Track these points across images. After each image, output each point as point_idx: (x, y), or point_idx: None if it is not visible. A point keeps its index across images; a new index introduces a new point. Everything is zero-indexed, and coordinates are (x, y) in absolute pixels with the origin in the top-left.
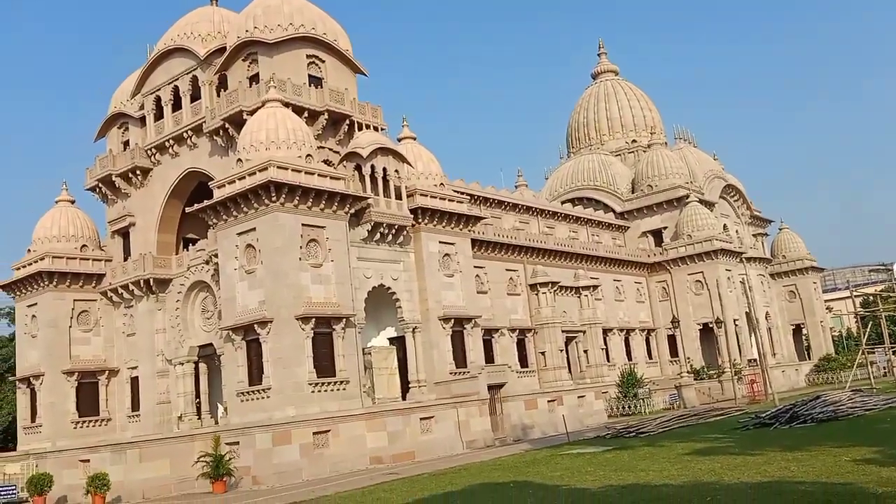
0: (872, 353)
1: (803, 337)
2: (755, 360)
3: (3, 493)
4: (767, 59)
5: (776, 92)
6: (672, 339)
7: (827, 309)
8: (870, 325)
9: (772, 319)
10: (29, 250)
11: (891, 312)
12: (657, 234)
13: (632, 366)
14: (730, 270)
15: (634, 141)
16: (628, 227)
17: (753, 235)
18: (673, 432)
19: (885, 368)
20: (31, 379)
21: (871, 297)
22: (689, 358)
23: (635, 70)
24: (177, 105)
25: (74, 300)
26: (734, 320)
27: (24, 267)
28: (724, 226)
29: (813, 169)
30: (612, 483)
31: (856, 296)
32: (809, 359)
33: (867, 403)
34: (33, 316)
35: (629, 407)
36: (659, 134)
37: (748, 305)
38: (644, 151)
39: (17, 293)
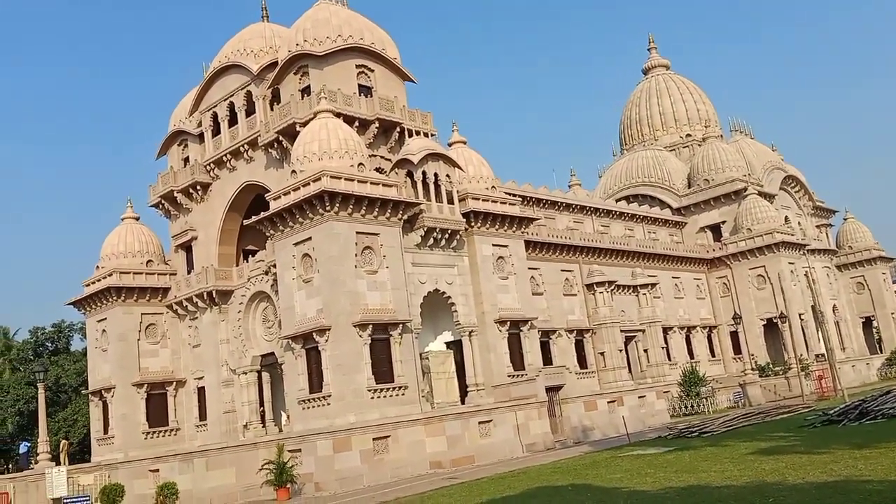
0: None
1: (874, 330)
2: (823, 355)
3: (78, 503)
4: (823, 43)
5: (834, 77)
6: (735, 336)
7: None
8: None
9: (840, 312)
10: (97, 267)
11: None
12: (715, 229)
13: (693, 364)
14: (793, 263)
15: (689, 135)
16: (685, 223)
17: (817, 227)
18: (737, 431)
19: None
20: (103, 392)
21: None
22: (752, 354)
23: (687, 64)
24: (233, 120)
25: (142, 314)
26: (799, 315)
27: (93, 283)
28: (786, 218)
29: (877, 155)
30: (671, 485)
31: None
32: (881, 352)
33: None
34: (103, 330)
35: (692, 406)
36: (714, 127)
37: (813, 299)
38: (699, 145)
39: (88, 309)
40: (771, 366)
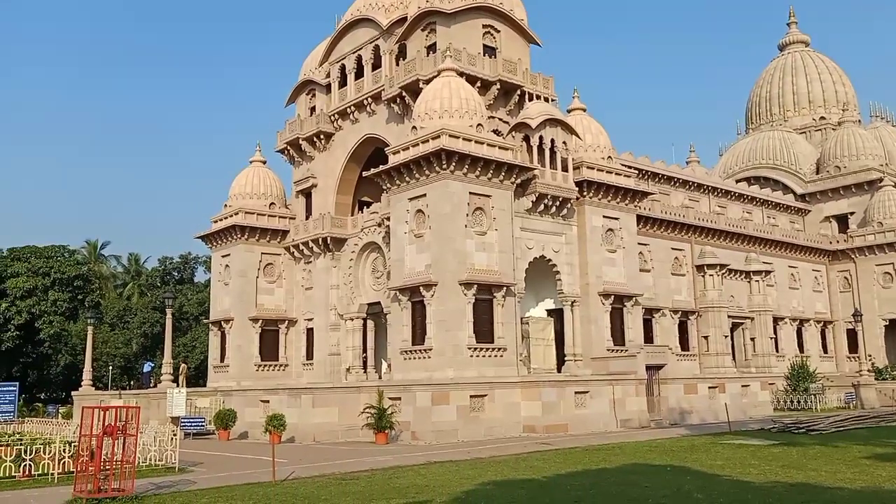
0: None
1: None
2: None
3: (194, 423)
4: None
5: None
6: (852, 334)
7: None
8: None
9: None
10: (225, 205)
11: None
12: (842, 220)
13: (804, 358)
14: None
15: (823, 118)
16: (809, 211)
17: None
18: (848, 433)
19: None
20: (223, 323)
21: None
22: (870, 355)
23: (829, 42)
24: (359, 73)
25: (262, 253)
26: None
27: (220, 220)
28: None
29: None
30: (778, 479)
31: None
32: None
33: None
34: (227, 266)
35: (798, 402)
36: (852, 111)
37: None
38: (833, 130)
39: (214, 244)
40: (889, 369)
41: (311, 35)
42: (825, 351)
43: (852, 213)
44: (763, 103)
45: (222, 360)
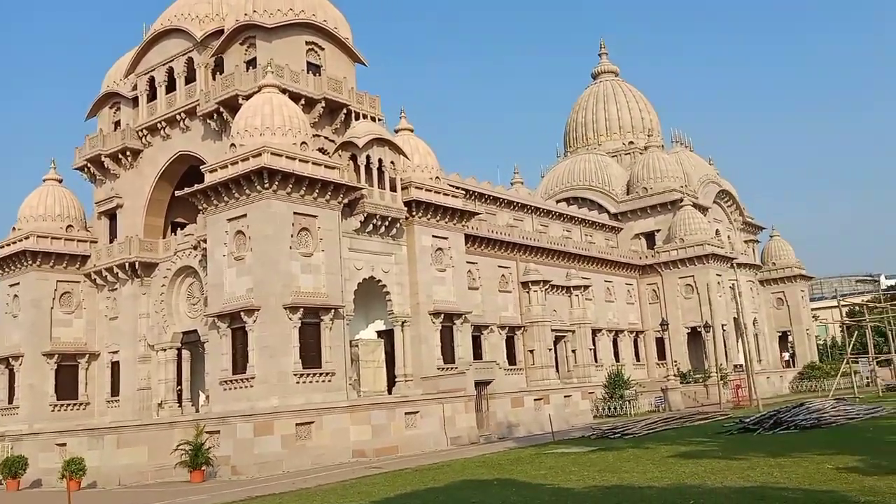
0: (857, 362)
1: (789, 344)
2: (741, 365)
3: None
4: (768, 66)
5: (775, 99)
6: (660, 342)
7: (813, 317)
8: (855, 335)
9: (759, 326)
10: (14, 228)
11: (876, 323)
12: (650, 237)
13: (619, 367)
14: (720, 275)
15: (631, 143)
16: (622, 229)
17: (745, 241)
18: (658, 435)
19: (868, 378)
20: (11, 359)
21: (858, 308)
22: (676, 361)
23: (635, 72)
24: (171, 87)
25: (58, 281)
26: (722, 325)
27: (8, 245)
28: (717, 231)
29: (807, 177)
30: (595, 484)
31: (842, 305)
32: (794, 366)
33: (850, 412)
34: (15, 295)
35: (615, 408)
36: (656, 136)
37: (737, 311)
38: (640, 153)
39: (1, 272)
40: (692, 373)
41: (115, 46)
42: (638, 359)
43: (658, 231)
44: (579, 128)
45: (10, 401)
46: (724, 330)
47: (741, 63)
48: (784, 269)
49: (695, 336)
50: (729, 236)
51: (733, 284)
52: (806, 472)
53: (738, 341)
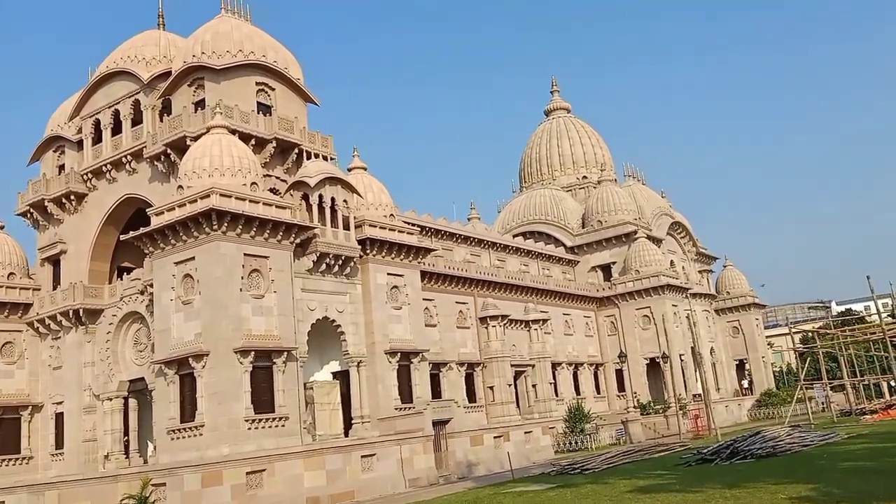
0: (811, 388)
1: (746, 372)
2: (699, 395)
3: None
4: (716, 98)
5: (725, 130)
6: (620, 374)
7: (768, 345)
8: (808, 361)
9: (716, 354)
10: None
11: (828, 349)
12: (606, 269)
13: (580, 400)
14: (676, 306)
15: (585, 177)
16: (578, 262)
17: (699, 272)
18: (618, 469)
19: (823, 404)
20: None
21: (810, 334)
22: (636, 392)
23: (587, 107)
24: (117, 129)
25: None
26: (680, 355)
27: None
28: (671, 262)
29: (758, 207)
30: None
31: (794, 332)
32: (752, 393)
33: (805, 439)
34: None
35: (576, 442)
36: (609, 171)
37: (693, 340)
38: (594, 188)
39: None
40: (652, 404)
41: (58, 90)
42: (598, 391)
43: (614, 263)
44: (534, 163)
45: None
46: (682, 360)
47: (691, 96)
48: (738, 298)
49: (654, 367)
50: (683, 267)
51: (689, 314)
52: (760, 503)
53: (696, 371)
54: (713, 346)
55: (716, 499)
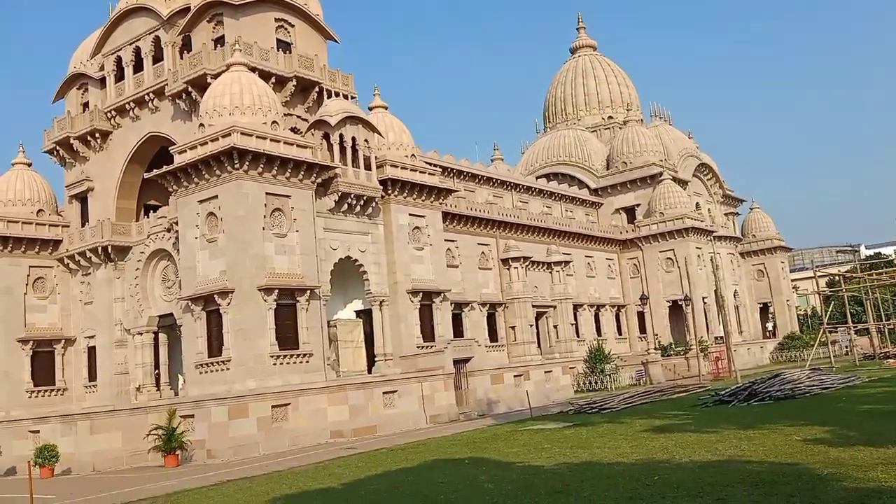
0: (835, 332)
1: (770, 315)
2: (721, 337)
3: None
4: (746, 39)
5: (754, 72)
6: (641, 316)
7: (794, 288)
8: (833, 305)
9: (740, 298)
10: None
11: (854, 293)
12: (630, 212)
13: (600, 341)
14: (700, 248)
15: (611, 117)
16: (602, 204)
17: (725, 214)
18: (635, 409)
19: (846, 347)
20: None
21: (836, 277)
22: (657, 334)
23: (614, 46)
24: (138, 66)
25: (30, 266)
26: (703, 298)
27: None
28: (697, 204)
29: (789, 150)
30: (565, 461)
31: (820, 276)
32: (775, 337)
33: (825, 382)
34: None
35: (596, 383)
36: (635, 111)
37: (717, 284)
38: (620, 128)
39: None
40: (673, 346)
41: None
42: (619, 333)
43: (638, 205)
44: (558, 103)
45: None
46: (704, 303)
47: (721, 35)
48: (764, 241)
49: (676, 309)
50: (709, 209)
51: (713, 257)
52: (773, 444)
53: (718, 313)
54: (737, 289)
55: (730, 439)
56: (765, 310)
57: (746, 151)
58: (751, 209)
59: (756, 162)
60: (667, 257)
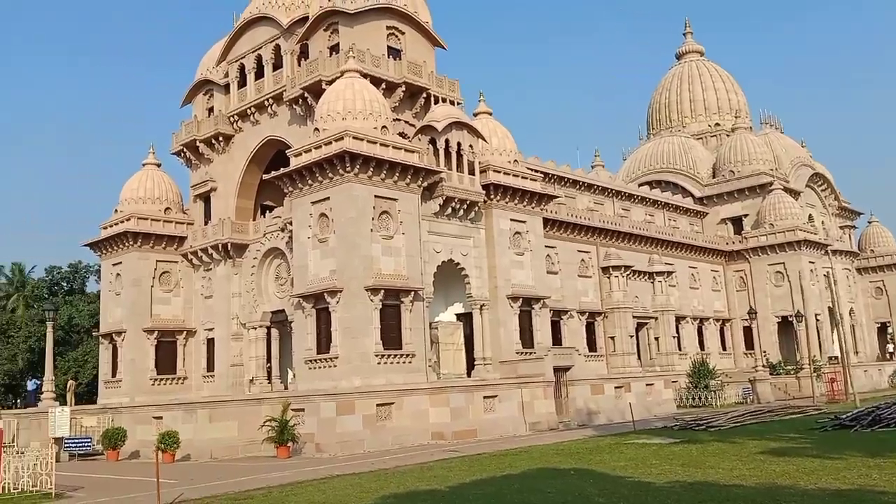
0: None
1: (888, 336)
2: (836, 357)
3: (80, 443)
4: (861, 42)
5: (873, 78)
6: (748, 331)
7: None
8: None
9: (856, 316)
10: (116, 210)
11: None
12: (737, 222)
13: (704, 356)
14: (813, 263)
15: (717, 124)
16: (707, 214)
17: (840, 227)
18: (745, 428)
19: None
20: (114, 335)
21: None
22: (765, 351)
23: (722, 52)
24: (259, 73)
25: (157, 261)
26: (815, 315)
27: (110, 226)
28: (810, 216)
29: None
30: (678, 479)
31: None
32: (893, 359)
33: None
34: (118, 274)
35: (699, 398)
36: (744, 118)
37: (832, 300)
38: (727, 136)
39: (103, 252)
40: (782, 364)
41: (207, 34)
42: (724, 348)
43: (746, 216)
44: (663, 110)
45: (114, 374)
46: (817, 320)
47: (833, 40)
48: (884, 257)
49: (785, 326)
50: (823, 222)
51: (828, 272)
52: None
53: (833, 332)
54: (853, 307)
55: (857, 467)
56: (883, 330)
57: (865, 161)
58: (869, 222)
59: (875, 173)
60: (776, 271)
